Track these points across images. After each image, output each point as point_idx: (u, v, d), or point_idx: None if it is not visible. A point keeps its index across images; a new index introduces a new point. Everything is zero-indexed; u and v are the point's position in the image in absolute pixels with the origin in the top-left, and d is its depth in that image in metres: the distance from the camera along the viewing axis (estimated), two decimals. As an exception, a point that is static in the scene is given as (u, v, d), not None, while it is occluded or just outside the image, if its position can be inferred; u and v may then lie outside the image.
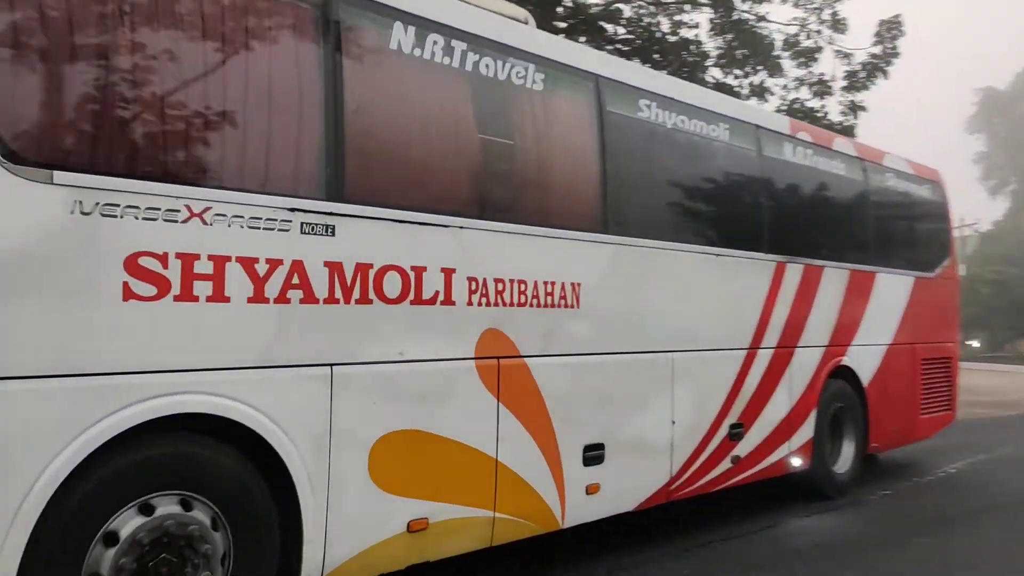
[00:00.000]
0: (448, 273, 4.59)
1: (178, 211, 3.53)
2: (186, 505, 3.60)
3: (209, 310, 3.62)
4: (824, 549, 6.26)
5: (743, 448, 6.69)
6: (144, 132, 3.52)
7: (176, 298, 3.52)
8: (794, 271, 7.25)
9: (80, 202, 3.26)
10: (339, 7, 4.19)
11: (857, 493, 8.04)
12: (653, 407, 5.92)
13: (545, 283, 5.12)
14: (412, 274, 4.41)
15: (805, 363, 7.41)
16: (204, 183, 3.66)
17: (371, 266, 4.23)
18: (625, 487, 5.71)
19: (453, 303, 4.61)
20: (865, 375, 8.24)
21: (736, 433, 6.59)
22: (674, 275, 6.13)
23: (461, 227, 4.67)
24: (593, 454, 5.42)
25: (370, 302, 4.23)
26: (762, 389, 6.87)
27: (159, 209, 3.48)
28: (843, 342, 7.96)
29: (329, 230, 4.06)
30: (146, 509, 3.48)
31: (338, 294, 4.09)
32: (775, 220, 7.17)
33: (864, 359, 8.22)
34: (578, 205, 5.57)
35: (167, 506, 3.52)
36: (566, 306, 5.26)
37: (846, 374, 8.01)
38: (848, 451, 8.16)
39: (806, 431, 7.41)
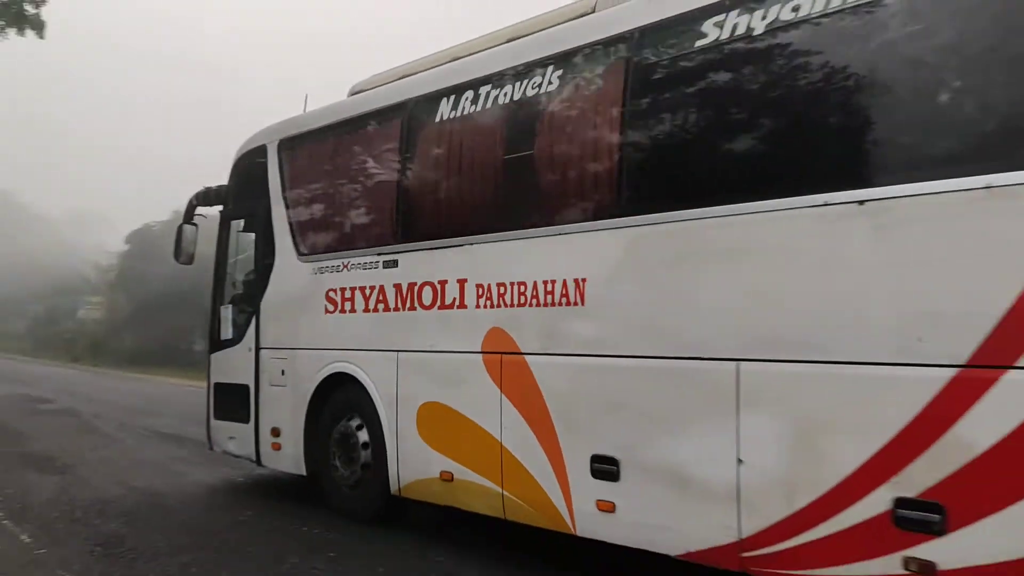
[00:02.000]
0: (462, 283, 5.69)
1: (340, 265, 6.73)
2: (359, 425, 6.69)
3: (349, 318, 6.63)
4: None
5: (947, 554, 3.47)
6: (327, 226, 6.92)
7: (340, 311, 6.73)
8: None
9: (316, 269, 7.00)
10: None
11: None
12: (700, 434, 4.33)
13: (545, 283, 5.14)
14: (439, 287, 5.86)
15: None
16: (345, 248, 6.69)
17: (415, 284, 6.04)
18: (655, 521, 4.54)
19: (466, 306, 5.66)
20: None
21: (924, 520, 3.54)
22: (752, 250, 4.19)
23: (472, 244, 5.63)
24: (603, 467, 4.80)
25: (415, 309, 6.04)
26: (1005, 450, 3.28)
27: (336, 265, 6.79)
28: None
29: (395, 263, 6.22)
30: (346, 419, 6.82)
31: (398, 305, 6.17)
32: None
33: None
34: (581, 194, 4.89)
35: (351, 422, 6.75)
36: (568, 304, 5.00)
37: None
38: None
39: None
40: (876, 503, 3.73)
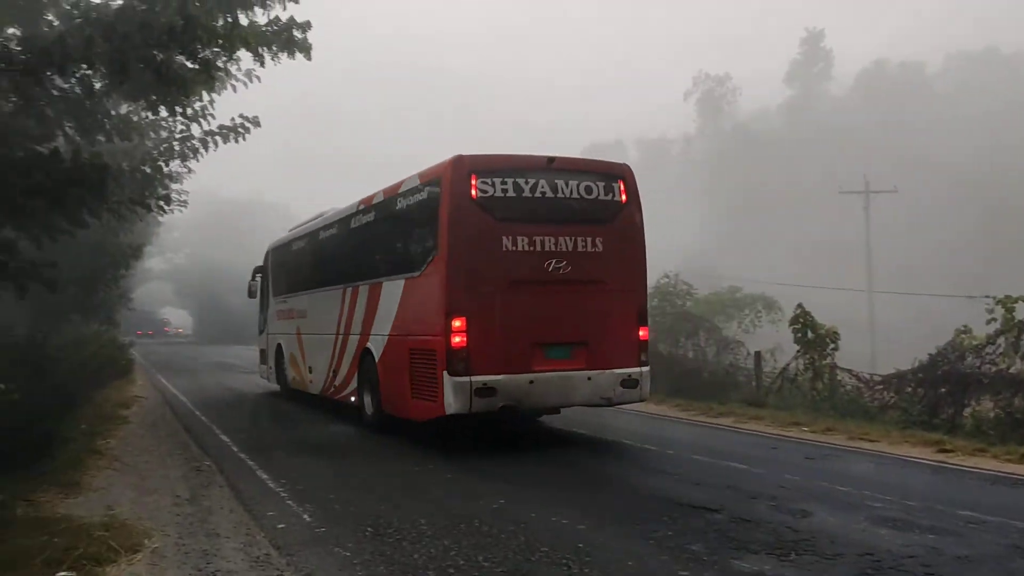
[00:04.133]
0: (297, 309, 16.28)
1: (281, 300, 17.53)
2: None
3: (282, 321, 17.41)
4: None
5: (337, 381, 13.51)
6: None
7: (279, 319, 17.55)
8: (351, 291, 12.97)
9: (277, 301, 17.87)
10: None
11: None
12: (326, 360, 14.42)
13: (301, 310, 15.60)
14: (294, 310, 16.48)
15: (352, 343, 12.75)
16: (282, 293, 17.52)
17: (291, 308, 16.68)
18: (315, 381, 14.78)
19: (294, 317, 16.25)
20: (376, 355, 11.61)
21: (333, 373, 13.63)
22: (317, 303, 14.54)
23: (299, 295, 16.23)
24: (311, 369, 15.13)
25: (290, 319, 16.68)
26: (341, 354, 13.34)
27: (280, 300, 17.60)
28: (368, 332, 12.06)
29: (286, 301, 16.90)
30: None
31: (288, 316, 16.86)
32: (341, 266, 13.32)
33: (377, 344, 11.66)
34: (306, 281, 15.39)
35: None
36: (303, 317, 15.43)
37: (370, 352, 11.92)
38: (373, 404, 11.79)
39: (354, 384, 12.63)
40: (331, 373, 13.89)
